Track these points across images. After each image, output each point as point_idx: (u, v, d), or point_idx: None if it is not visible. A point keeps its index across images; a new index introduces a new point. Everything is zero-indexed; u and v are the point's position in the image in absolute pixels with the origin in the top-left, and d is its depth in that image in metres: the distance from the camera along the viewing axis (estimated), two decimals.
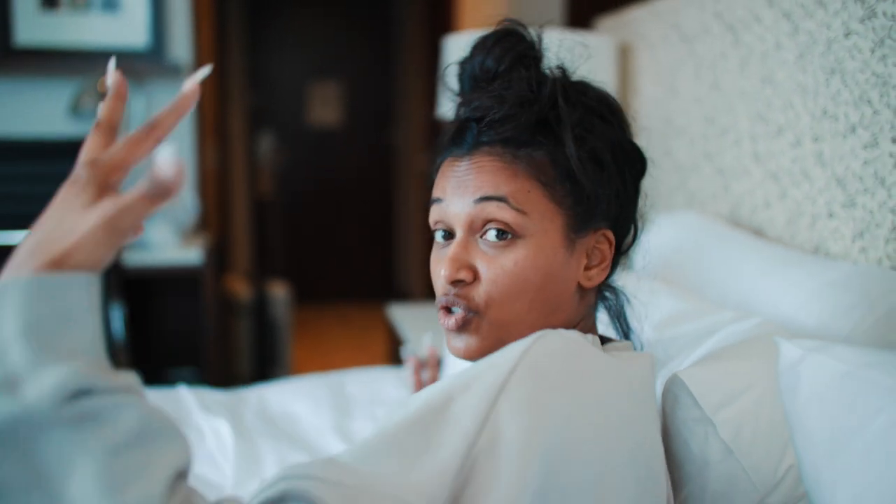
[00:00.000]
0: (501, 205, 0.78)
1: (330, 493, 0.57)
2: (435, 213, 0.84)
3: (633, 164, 0.87)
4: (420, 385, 1.06)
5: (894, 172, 1.16)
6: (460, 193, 0.81)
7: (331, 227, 5.89)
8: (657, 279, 1.15)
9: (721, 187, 1.64)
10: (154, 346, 2.91)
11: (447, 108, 2.02)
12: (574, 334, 0.73)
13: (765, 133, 1.48)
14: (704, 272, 1.39)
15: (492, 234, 0.79)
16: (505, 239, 0.78)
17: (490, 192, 0.78)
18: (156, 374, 2.75)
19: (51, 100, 2.85)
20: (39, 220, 0.59)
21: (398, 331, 2.35)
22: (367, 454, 0.63)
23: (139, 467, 0.53)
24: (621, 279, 0.93)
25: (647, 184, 0.90)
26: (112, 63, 0.65)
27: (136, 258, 2.49)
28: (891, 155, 1.16)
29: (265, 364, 3.56)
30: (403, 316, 2.48)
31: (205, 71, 0.64)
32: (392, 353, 2.57)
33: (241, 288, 3.61)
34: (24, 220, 2.52)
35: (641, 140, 0.91)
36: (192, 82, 0.62)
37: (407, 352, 1.08)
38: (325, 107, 5.78)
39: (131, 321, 2.54)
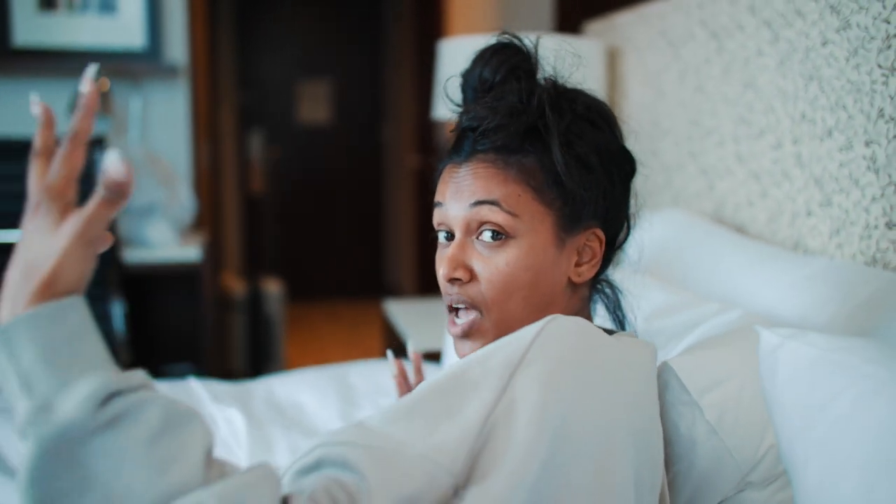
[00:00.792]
0: (494, 208, 0.85)
1: (363, 456, 0.64)
2: (437, 216, 0.92)
3: (621, 166, 0.93)
4: (406, 388, 1.11)
5: (867, 174, 1.23)
6: (458, 198, 0.88)
7: (321, 225, 5.95)
8: (646, 273, 1.22)
9: (705, 186, 1.71)
10: (152, 341, 2.96)
11: (441, 111, 2.08)
12: (581, 319, 0.80)
13: (747, 135, 1.56)
14: (690, 267, 1.46)
15: (486, 235, 0.86)
16: (499, 239, 0.85)
17: (484, 196, 0.86)
18: (153, 370, 2.80)
19: (49, 100, 2.89)
20: (15, 252, 0.64)
21: (396, 326, 2.42)
22: (394, 418, 0.70)
23: (176, 450, 0.59)
24: (616, 274, 1.00)
25: (636, 184, 0.97)
26: (91, 70, 0.68)
27: (137, 256, 2.54)
28: (864, 157, 1.24)
29: (259, 360, 3.62)
30: (399, 311, 2.55)
31: (93, 69, 0.67)
32: (389, 347, 2.64)
33: (234, 284, 3.66)
34: (16, 218, 2.56)
35: (630, 141, 0.98)
36: (87, 81, 0.66)
37: (411, 347, 1.14)
38: (314, 105, 5.83)
39: (131, 317, 2.59)
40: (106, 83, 2.75)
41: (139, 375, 0.63)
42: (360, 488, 0.62)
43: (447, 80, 0.97)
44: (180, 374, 2.57)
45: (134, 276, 2.68)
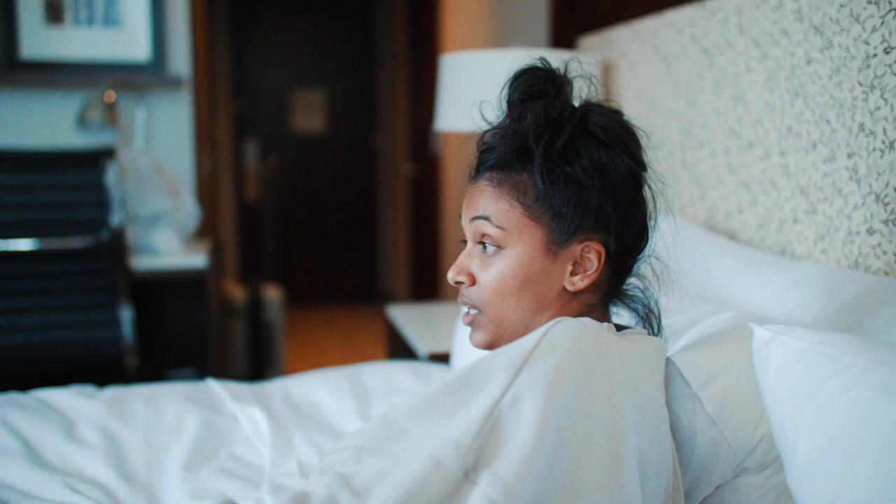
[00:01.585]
0: (485, 223, 0.96)
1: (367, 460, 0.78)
2: (462, 226, 1.02)
3: (621, 183, 0.97)
4: None
5: (850, 184, 1.33)
6: (467, 213, 1.00)
7: (315, 232, 6.01)
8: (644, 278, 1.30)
9: (698, 195, 1.80)
10: (157, 347, 3.03)
11: (444, 123, 2.17)
12: (588, 319, 0.89)
13: (737, 147, 1.65)
14: (684, 272, 1.55)
15: (485, 246, 0.98)
16: (494, 250, 0.97)
17: (479, 212, 0.97)
18: (158, 375, 2.86)
19: (56, 112, 2.96)
20: None
21: (401, 331, 2.50)
22: (418, 411, 0.82)
23: None
24: (640, 281, 1.04)
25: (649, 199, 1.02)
26: None
27: (144, 263, 2.60)
28: (847, 168, 1.33)
29: (260, 365, 3.68)
30: (401, 316, 2.63)
31: None
32: (393, 351, 2.72)
33: (235, 291, 3.73)
34: (32, 227, 2.61)
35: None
36: None
37: None
38: (309, 114, 5.91)
39: (138, 323, 2.66)
40: (112, 94, 2.82)
41: None
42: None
43: (480, 103, 1.04)
44: (184, 379, 2.64)
45: (141, 283, 2.74)
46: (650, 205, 1.02)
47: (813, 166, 1.42)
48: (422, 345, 2.25)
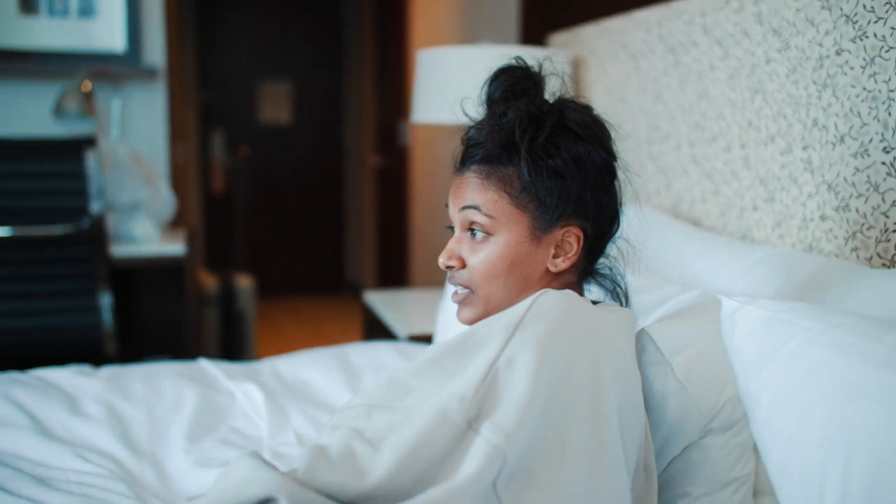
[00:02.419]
0: (475, 211, 1.05)
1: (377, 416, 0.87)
2: (448, 215, 1.11)
3: (598, 174, 1.07)
4: None
5: (804, 174, 1.45)
6: (454, 202, 1.09)
7: (281, 223, 6.04)
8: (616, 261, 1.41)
9: (664, 185, 1.92)
10: (135, 333, 3.07)
11: (420, 115, 2.26)
12: (569, 291, 0.99)
13: (701, 139, 1.76)
14: (652, 255, 1.66)
15: (473, 233, 1.07)
16: (482, 236, 1.06)
17: (468, 202, 1.06)
18: (134, 361, 2.90)
19: (32, 102, 2.98)
20: None
21: (380, 316, 2.58)
22: (421, 371, 0.92)
23: None
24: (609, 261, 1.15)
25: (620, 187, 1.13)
26: None
27: (123, 251, 2.65)
28: (802, 160, 1.45)
29: (231, 353, 3.73)
30: (379, 301, 2.72)
31: None
32: (369, 335, 2.80)
33: (206, 280, 3.77)
34: (13, 215, 2.63)
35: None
36: None
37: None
38: (276, 106, 5.94)
39: (116, 310, 2.70)
40: (88, 84, 2.85)
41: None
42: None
43: (462, 99, 1.13)
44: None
45: (119, 271, 2.78)
46: (620, 193, 1.12)
47: (771, 158, 1.54)
48: (401, 328, 2.34)
